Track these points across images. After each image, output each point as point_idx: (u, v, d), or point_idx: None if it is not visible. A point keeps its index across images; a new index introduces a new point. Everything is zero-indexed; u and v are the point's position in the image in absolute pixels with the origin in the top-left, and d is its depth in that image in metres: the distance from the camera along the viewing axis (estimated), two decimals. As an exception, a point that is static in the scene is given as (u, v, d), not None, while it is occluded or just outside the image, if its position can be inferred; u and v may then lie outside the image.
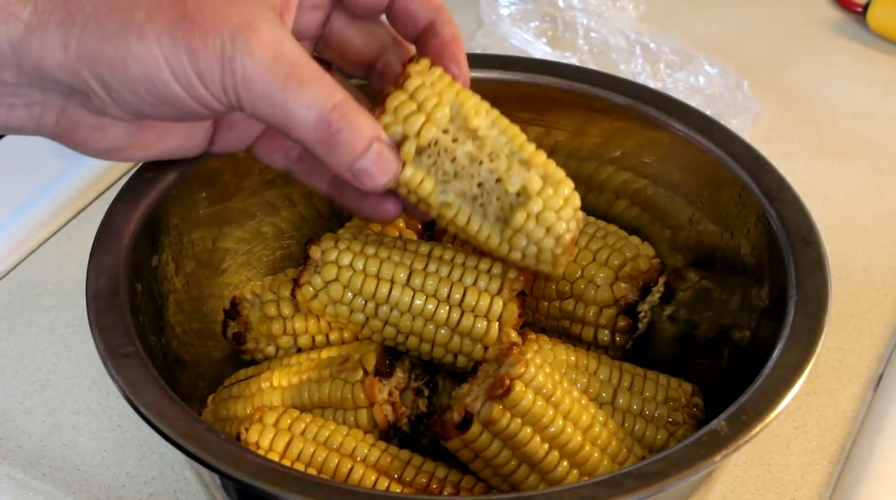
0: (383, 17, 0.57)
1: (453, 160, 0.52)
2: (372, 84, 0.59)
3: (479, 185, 0.52)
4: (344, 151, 0.48)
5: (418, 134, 0.51)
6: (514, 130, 0.53)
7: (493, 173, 0.52)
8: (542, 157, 0.53)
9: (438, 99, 0.51)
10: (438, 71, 0.53)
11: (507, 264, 0.60)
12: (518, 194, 0.52)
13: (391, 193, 0.54)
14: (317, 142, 0.47)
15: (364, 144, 0.49)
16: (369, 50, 0.58)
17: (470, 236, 0.54)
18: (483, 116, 0.53)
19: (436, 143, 0.51)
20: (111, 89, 0.46)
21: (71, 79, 0.46)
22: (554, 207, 0.53)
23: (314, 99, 0.46)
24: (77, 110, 0.49)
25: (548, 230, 0.53)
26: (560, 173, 0.54)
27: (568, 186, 0.54)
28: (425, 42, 0.55)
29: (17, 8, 0.45)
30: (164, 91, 0.46)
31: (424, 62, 0.53)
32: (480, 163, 0.52)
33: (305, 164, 0.56)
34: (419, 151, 0.51)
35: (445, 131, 0.51)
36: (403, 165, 0.51)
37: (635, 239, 0.67)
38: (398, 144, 0.51)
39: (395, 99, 0.51)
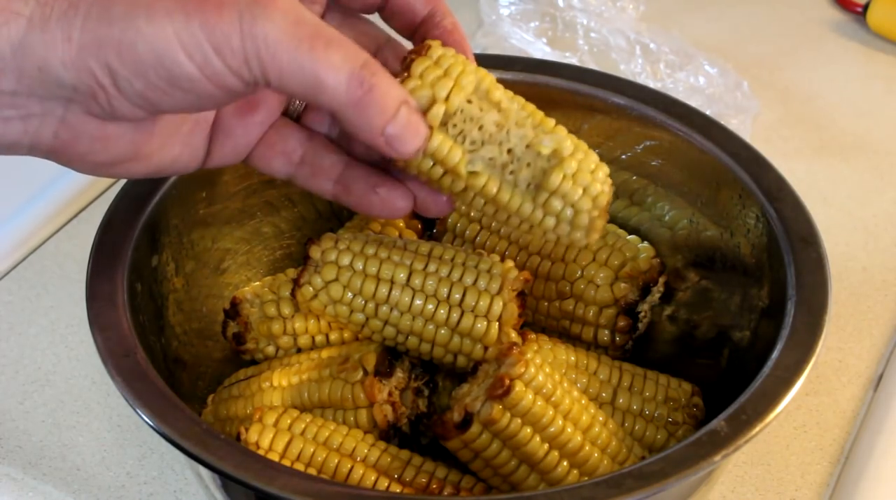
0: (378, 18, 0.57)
1: (480, 128, 0.50)
2: None
3: (509, 151, 0.51)
4: (376, 113, 0.46)
5: (447, 98, 0.49)
6: (533, 107, 0.52)
7: (522, 139, 0.51)
8: (563, 130, 0.52)
9: (463, 67, 0.50)
10: (452, 50, 0.52)
11: (508, 263, 0.60)
12: (550, 158, 0.51)
13: (400, 186, 0.53)
14: (349, 103, 0.45)
15: (394, 106, 0.47)
16: (366, 49, 0.57)
17: (501, 205, 0.52)
18: (502, 91, 0.52)
19: (462, 111, 0.50)
20: (118, 77, 0.44)
21: (75, 76, 0.44)
22: (588, 167, 0.51)
23: (344, 58, 0.45)
24: (78, 118, 0.47)
25: (584, 191, 0.51)
26: (584, 144, 0.52)
27: (595, 155, 0.52)
28: (425, 34, 0.54)
29: (18, 4, 0.44)
30: (176, 72, 0.44)
31: (436, 42, 0.52)
32: (508, 131, 0.51)
33: (308, 167, 0.55)
34: (445, 120, 0.50)
35: (470, 101, 0.50)
36: (431, 131, 0.49)
37: (635, 239, 0.67)
38: (424, 111, 0.49)
39: (421, 64, 0.50)
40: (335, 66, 0.45)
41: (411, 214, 0.70)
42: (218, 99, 0.46)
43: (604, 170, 0.52)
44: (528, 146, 0.51)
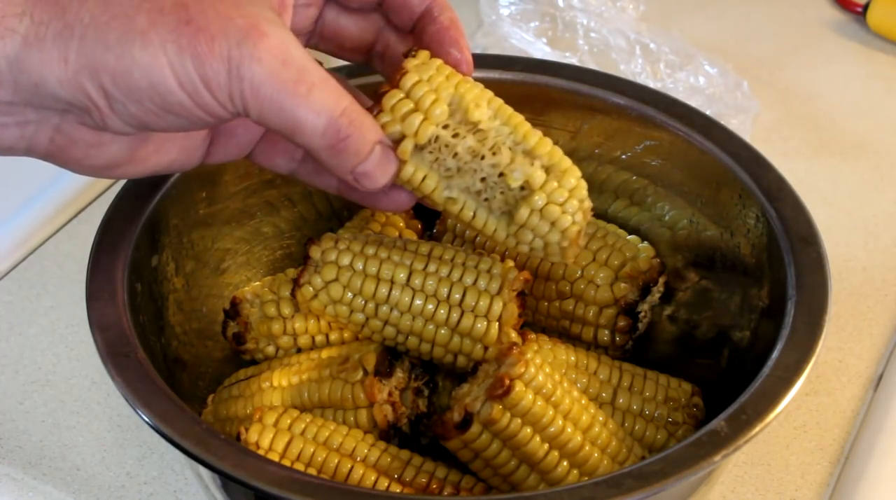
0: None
1: (455, 156, 0.51)
2: (374, 67, 0.58)
3: (483, 180, 0.52)
4: (350, 156, 0.48)
5: (416, 133, 0.50)
6: (518, 119, 0.52)
7: (495, 168, 0.51)
8: (547, 145, 0.52)
9: (436, 95, 0.51)
10: (437, 63, 0.52)
11: (508, 263, 0.60)
12: (521, 188, 0.51)
13: None
14: (324, 147, 0.47)
15: (368, 149, 0.48)
16: (366, 35, 0.57)
17: (477, 230, 0.53)
18: (484, 107, 0.52)
19: (436, 139, 0.51)
20: (113, 100, 0.45)
21: (71, 94, 0.45)
22: (558, 200, 0.51)
23: (323, 105, 0.46)
24: (73, 127, 0.47)
25: (553, 225, 0.52)
26: (566, 162, 0.52)
27: (574, 176, 0.52)
28: (423, 30, 0.54)
29: (13, 21, 0.44)
30: (168, 100, 0.45)
31: (423, 55, 0.52)
32: (483, 157, 0.51)
33: (311, 164, 0.55)
34: (420, 149, 0.51)
35: (446, 127, 0.51)
36: (403, 163, 0.51)
37: (635, 239, 0.67)
38: (396, 143, 0.50)
39: (392, 97, 0.51)
40: (315, 111, 0.46)
41: (412, 213, 0.71)
42: (207, 123, 0.47)
43: (578, 196, 0.52)
44: (500, 175, 0.51)
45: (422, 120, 0.50)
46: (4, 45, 0.44)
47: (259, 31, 0.44)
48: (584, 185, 0.53)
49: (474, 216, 0.53)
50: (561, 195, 0.52)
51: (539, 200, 0.51)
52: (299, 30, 0.56)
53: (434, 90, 0.51)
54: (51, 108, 0.46)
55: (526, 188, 0.51)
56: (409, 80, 0.51)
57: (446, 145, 0.51)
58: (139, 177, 0.52)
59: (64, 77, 0.44)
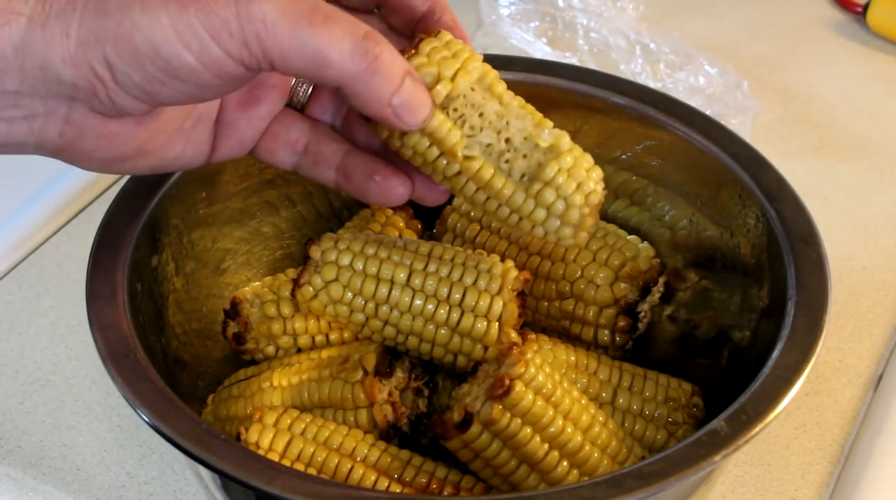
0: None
1: (481, 115, 0.51)
2: None
3: (507, 140, 0.51)
4: (383, 81, 0.46)
5: (452, 78, 0.50)
6: (532, 108, 0.53)
7: (521, 131, 0.51)
8: (563, 131, 0.53)
9: (471, 54, 0.51)
10: (461, 41, 0.52)
11: (508, 263, 0.60)
12: (547, 151, 0.51)
13: (399, 173, 0.53)
14: (356, 74, 0.45)
15: (400, 75, 0.47)
16: None
17: (493, 192, 0.52)
18: (504, 87, 0.52)
19: (464, 96, 0.50)
20: (116, 70, 0.44)
21: (75, 72, 0.45)
22: (583, 165, 0.52)
23: (345, 30, 0.45)
24: (82, 115, 0.47)
25: (578, 186, 0.51)
26: (580, 148, 0.53)
27: (591, 158, 0.53)
28: (425, 31, 0.54)
29: (18, 4, 0.44)
30: (173, 63, 0.44)
31: (447, 32, 0.52)
32: (508, 122, 0.51)
33: (310, 156, 0.55)
34: (447, 103, 0.50)
35: (473, 89, 0.51)
36: (434, 107, 0.50)
37: (635, 239, 0.67)
38: (429, 88, 0.49)
39: (429, 44, 0.50)
40: (337, 38, 0.44)
41: (411, 213, 0.71)
42: (217, 88, 0.46)
43: (598, 172, 0.53)
44: (526, 138, 0.51)
45: (458, 68, 0.50)
46: (10, 31, 0.44)
47: None
48: (599, 168, 0.53)
49: (492, 177, 0.52)
50: (586, 162, 0.52)
51: (567, 160, 0.51)
52: None
53: (468, 50, 0.51)
54: (58, 96, 0.46)
55: (552, 151, 0.51)
56: (445, 36, 0.51)
57: (473, 104, 0.50)
58: (147, 173, 0.52)
59: (67, 53, 0.44)
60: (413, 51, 0.50)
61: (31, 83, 0.45)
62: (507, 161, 0.52)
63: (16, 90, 0.46)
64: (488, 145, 0.51)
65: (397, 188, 0.53)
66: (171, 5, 0.43)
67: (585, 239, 0.54)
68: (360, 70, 0.45)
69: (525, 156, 0.51)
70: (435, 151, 0.51)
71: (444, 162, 0.51)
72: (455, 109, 0.50)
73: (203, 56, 0.44)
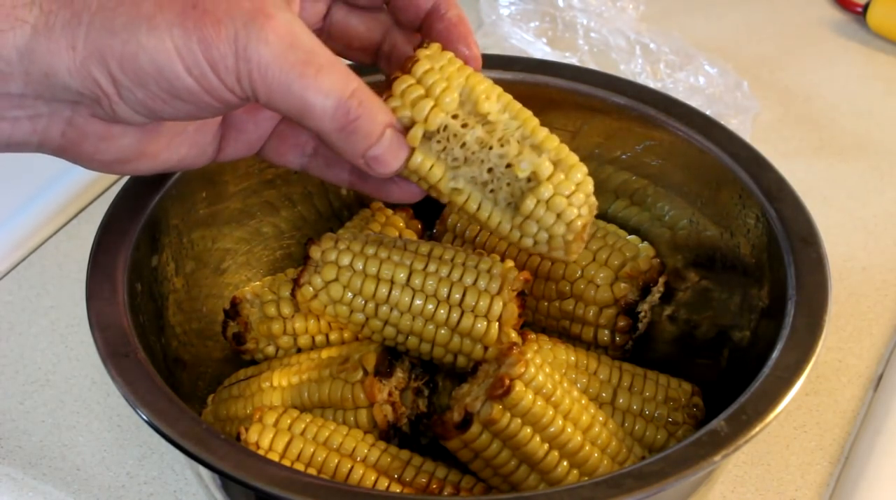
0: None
1: (463, 146, 0.51)
2: (380, 69, 0.58)
3: (490, 170, 0.51)
4: (361, 139, 0.47)
5: (426, 119, 0.50)
6: (527, 114, 0.52)
7: (503, 158, 0.51)
8: (554, 141, 0.52)
9: (447, 83, 0.51)
10: (448, 55, 0.52)
11: (508, 263, 0.60)
12: (528, 180, 0.51)
13: None
14: (334, 130, 0.47)
15: (379, 131, 0.48)
16: (374, 34, 0.57)
17: (481, 223, 0.53)
18: (494, 100, 0.52)
19: (445, 128, 0.50)
20: (121, 86, 0.45)
21: (80, 82, 0.45)
22: (564, 192, 0.51)
23: (332, 86, 0.45)
24: (84, 119, 0.47)
25: (558, 216, 0.52)
26: (573, 158, 0.52)
27: (581, 171, 0.52)
28: (430, 27, 0.54)
29: (22, 11, 0.44)
30: (175, 84, 0.45)
31: (434, 46, 0.52)
32: (490, 148, 0.51)
33: (322, 158, 0.55)
34: (428, 137, 0.50)
35: (455, 116, 0.51)
36: (412, 151, 0.50)
37: (635, 239, 0.67)
38: (406, 129, 0.50)
39: (403, 83, 0.50)
40: (324, 92, 0.45)
41: (411, 213, 0.71)
42: (215, 109, 0.47)
43: (585, 190, 0.52)
44: (508, 166, 0.51)
45: (432, 106, 0.50)
46: (15, 36, 0.44)
47: (265, 13, 0.44)
48: (590, 181, 0.53)
49: (479, 208, 0.52)
50: (567, 188, 0.51)
51: (546, 191, 0.51)
52: (307, 26, 0.56)
53: (445, 79, 0.51)
54: (62, 100, 0.47)
55: (533, 180, 0.51)
56: (420, 68, 0.51)
57: (454, 135, 0.51)
58: (150, 173, 0.53)
59: (73, 65, 0.45)
60: (388, 93, 0.50)
61: (35, 88, 0.46)
62: (492, 191, 0.52)
63: (20, 93, 0.46)
64: (472, 177, 0.52)
65: (414, 187, 0.53)
66: (175, 30, 0.44)
67: (580, 251, 0.54)
68: (340, 127, 0.47)
69: (509, 184, 0.52)
70: (424, 184, 0.52)
71: (436, 193, 0.53)
72: (438, 141, 0.51)
73: (202, 82, 0.45)
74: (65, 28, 0.44)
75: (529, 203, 0.51)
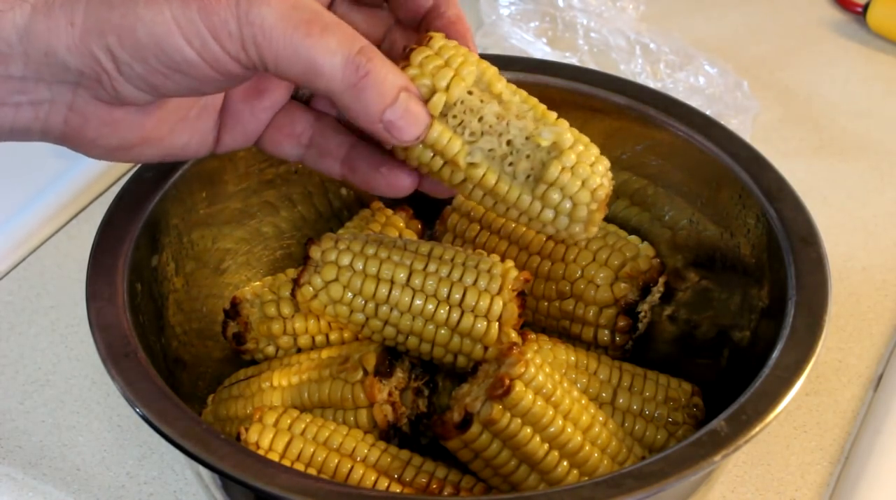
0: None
1: (480, 120, 0.50)
2: None
3: (508, 142, 0.51)
4: (374, 96, 0.46)
5: (447, 88, 0.49)
6: (535, 100, 0.52)
7: (522, 131, 0.51)
8: (565, 123, 0.52)
9: (464, 58, 0.50)
10: (454, 42, 0.52)
11: (508, 263, 0.60)
12: (549, 150, 0.51)
13: (404, 164, 0.53)
14: (345, 88, 0.46)
15: (393, 93, 0.47)
16: (375, 32, 0.57)
17: (498, 198, 0.52)
18: (504, 83, 0.52)
19: (462, 102, 0.50)
20: (120, 61, 0.45)
21: (79, 59, 0.45)
22: (587, 160, 0.51)
23: (339, 43, 0.45)
24: (87, 102, 0.47)
25: (583, 183, 0.51)
26: (585, 138, 0.52)
27: (595, 148, 0.52)
28: (430, 24, 0.54)
29: None
30: (175, 57, 0.44)
31: (439, 35, 0.52)
32: (508, 123, 0.51)
33: (316, 148, 0.55)
34: (445, 110, 0.50)
35: (470, 92, 0.50)
36: (432, 120, 0.49)
37: (635, 239, 0.67)
38: (425, 100, 0.49)
39: (421, 53, 0.50)
40: (330, 50, 0.45)
41: (411, 213, 0.71)
42: (219, 83, 0.47)
43: (604, 163, 0.53)
44: (527, 138, 0.51)
45: (452, 76, 0.50)
46: (15, 16, 0.44)
47: None
48: (605, 159, 0.53)
49: (497, 182, 0.52)
50: (589, 157, 0.52)
51: (569, 159, 0.51)
52: None
53: (462, 54, 0.51)
54: (63, 81, 0.46)
55: (554, 150, 0.51)
56: (437, 42, 0.51)
57: (471, 109, 0.50)
58: (153, 161, 0.52)
59: (72, 42, 0.44)
60: (405, 63, 0.50)
61: (36, 68, 0.46)
62: (510, 164, 0.51)
63: (21, 75, 0.46)
64: (490, 150, 0.51)
65: (403, 180, 0.53)
66: (174, 0, 0.44)
67: (595, 232, 0.53)
68: (350, 84, 0.46)
69: (528, 156, 0.51)
70: (439, 161, 0.51)
71: (449, 171, 0.51)
72: (454, 116, 0.50)
73: (204, 52, 0.44)
74: (64, 5, 0.44)
75: (554, 170, 0.51)
